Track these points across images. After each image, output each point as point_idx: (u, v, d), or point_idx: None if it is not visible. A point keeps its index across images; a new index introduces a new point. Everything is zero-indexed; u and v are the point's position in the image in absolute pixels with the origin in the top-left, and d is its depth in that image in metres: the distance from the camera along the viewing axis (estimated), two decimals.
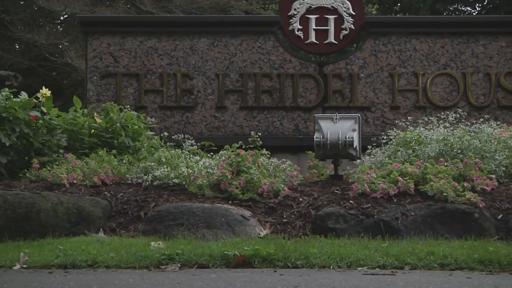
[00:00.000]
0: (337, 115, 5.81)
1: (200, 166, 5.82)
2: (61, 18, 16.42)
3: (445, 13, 18.14)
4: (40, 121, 6.40)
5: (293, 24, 8.36)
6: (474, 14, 18.86)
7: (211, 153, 6.34)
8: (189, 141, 6.55)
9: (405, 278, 3.27)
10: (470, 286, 3.04)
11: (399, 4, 18.95)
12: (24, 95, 6.47)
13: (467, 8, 19.29)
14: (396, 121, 7.26)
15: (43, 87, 6.62)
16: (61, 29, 16.85)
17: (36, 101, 6.50)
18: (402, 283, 3.08)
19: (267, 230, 4.97)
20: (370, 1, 19.51)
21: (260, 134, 7.98)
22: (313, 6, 8.38)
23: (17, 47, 16.81)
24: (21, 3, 16.27)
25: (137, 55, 8.32)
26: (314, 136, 5.75)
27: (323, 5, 8.38)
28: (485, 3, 18.18)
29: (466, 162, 5.34)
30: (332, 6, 8.37)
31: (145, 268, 3.85)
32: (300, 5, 8.39)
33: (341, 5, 8.36)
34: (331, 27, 8.33)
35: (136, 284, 3.08)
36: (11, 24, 15.09)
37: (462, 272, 3.67)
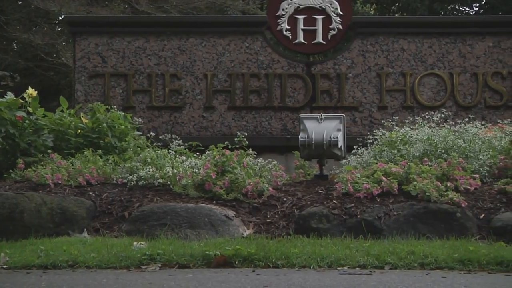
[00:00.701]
0: (322, 115, 5.82)
1: (185, 166, 5.83)
2: (60, 18, 16.41)
3: (442, 13, 18.18)
4: (27, 121, 6.40)
5: (281, 24, 8.38)
6: (471, 13, 18.90)
7: (197, 153, 6.36)
8: (177, 141, 6.56)
9: (379, 277, 3.28)
10: (441, 285, 3.06)
11: (397, 4, 18.97)
12: (10, 95, 6.47)
13: (465, 8, 19.32)
14: (382, 121, 7.27)
15: (29, 87, 6.62)
16: (59, 29, 16.84)
17: (22, 101, 6.50)
18: (373, 282, 3.09)
19: (250, 230, 4.99)
20: (368, 1, 19.56)
21: (248, 134, 8.06)
22: (301, 6, 8.40)
23: (15, 47, 16.81)
24: (19, 3, 16.24)
25: (125, 55, 8.32)
26: (299, 136, 5.76)
27: (311, 5, 8.39)
28: (483, 3, 18.19)
29: (450, 162, 5.35)
30: (320, 6, 8.39)
31: (125, 268, 3.85)
32: (288, 5, 8.40)
33: (329, 5, 8.37)
34: (319, 27, 8.35)
35: (108, 284, 3.09)
36: (7, 25, 15.08)
37: (441, 272, 3.69)
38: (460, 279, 3.32)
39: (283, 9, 8.40)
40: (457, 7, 19.30)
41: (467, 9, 19.40)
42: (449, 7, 18.98)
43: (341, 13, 8.35)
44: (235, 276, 3.34)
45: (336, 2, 8.36)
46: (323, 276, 3.34)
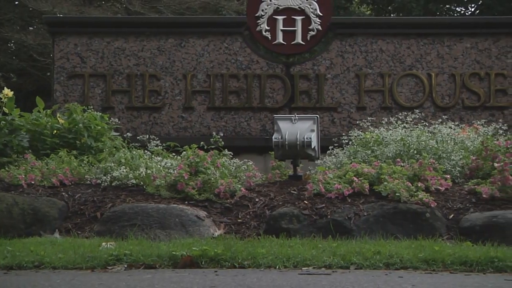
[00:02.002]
0: (296, 115, 5.85)
1: (159, 166, 5.84)
2: None
3: (438, 13, 18.25)
4: (2, 122, 6.40)
5: (260, 25, 8.39)
6: (467, 14, 18.94)
7: (173, 154, 6.37)
8: (154, 141, 6.58)
9: (335, 277, 3.31)
10: (390, 285, 3.08)
11: (393, 5, 19.02)
12: None
13: (461, 8, 19.39)
14: (357, 122, 7.31)
15: (5, 89, 6.61)
16: None
17: None
18: (325, 282, 3.11)
19: (221, 231, 5.00)
20: (364, 2, 19.61)
21: (227, 134, 8.08)
22: (280, 7, 8.41)
23: (13, 47, 16.77)
24: (16, 3, 16.21)
25: (104, 55, 8.31)
26: (273, 137, 5.79)
27: (290, 6, 8.41)
28: (479, 3, 18.25)
29: (421, 162, 5.39)
30: (299, 7, 8.41)
31: (91, 269, 3.86)
32: (267, 6, 8.41)
33: (309, 6, 8.40)
34: (299, 28, 8.36)
35: (59, 285, 3.09)
36: (1, 25, 15.05)
37: (403, 271, 3.71)
38: (415, 279, 3.34)
39: (262, 10, 8.41)
40: (452, 8, 19.36)
41: (462, 9, 19.45)
42: (444, 7, 19.03)
43: (321, 14, 8.37)
44: (193, 276, 3.36)
45: (315, 3, 8.38)
46: (280, 276, 3.36)
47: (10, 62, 15.84)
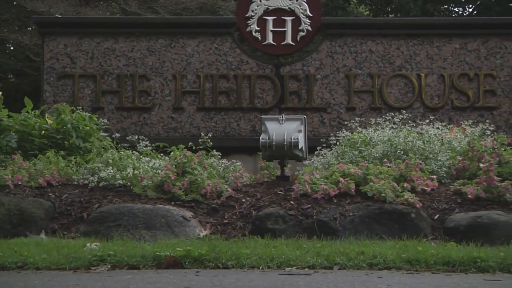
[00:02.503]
0: (283, 116, 5.85)
1: (146, 167, 5.84)
2: None
3: (436, 14, 18.26)
4: None
5: (250, 25, 8.40)
6: (465, 14, 18.96)
7: (161, 154, 6.37)
8: (144, 142, 6.57)
9: (313, 278, 3.31)
10: (367, 285, 3.09)
11: (391, 5, 19.03)
12: None
13: (459, 8, 19.40)
14: (346, 122, 7.32)
15: None
16: None
17: None
18: (302, 282, 3.12)
19: (207, 231, 5.01)
20: (362, 2, 19.62)
21: (217, 135, 8.08)
22: (270, 8, 8.42)
23: (12, 48, 16.74)
24: (14, 3, 16.18)
25: (94, 56, 8.31)
26: (260, 137, 5.79)
27: (280, 7, 8.42)
28: (478, 3, 18.27)
29: (407, 163, 5.40)
30: (289, 8, 8.42)
31: (74, 270, 3.86)
32: (257, 6, 8.43)
33: (298, 7, 8.41)
34: (288, 28, 8.38)
35: (34, 285, 3.09)
36: None
37: (385, 272, 3.72)
38: (393, 279, 3.35)
39: (252, 11, 8.42)
40: (450, 8, 19.37)
41: (460, 9, 19.46)
42: (442, 8, 19.05)
43: (310, 15, 8.38)
44: (173, 276, 3.36)
45: (305, 4, 8.39)
46: (260, 277, 3.36)
47: (8, 62, 15.82)
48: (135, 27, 8.47)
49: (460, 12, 19.30)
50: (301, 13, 8.39)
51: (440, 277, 3.50)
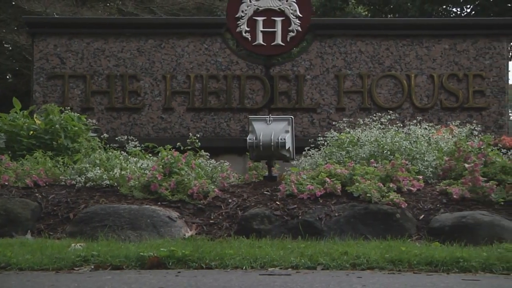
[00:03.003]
0: (271, 116, 5.86)
1: (134, 167, 5.84)
2: None
3: (434, 14, 18.29)
4: None
5: (240, 26, 8.41)
6: (463, 15, 18.99)
7: (150, 155, 6.38)
8: (133, 142, 6.58)
9: (291, 278, 3.32)
10: (341, 285, 3.09)
11: (389, 5, 19.05)
12: None
13: (457, 8, 19.42)
14: (335, 123, 7.33)
15: None
16: None
17: None
18: (278, 282, 3.13)
19: (193, 231, 5.01)
20: (360, 3, 19.64)
21: (207, 135, 8.09)
22: (260, 8, 8.43)
23: (11, 48, 16.74)
24: (12, 3, 16.17)
25: (84, 56, 8.31)
26: (247, 138, 5.80)
27: (270, 7, 8.43)
28: (476, 3, 18.30)
29: (393, 163, 5.41)
30: (279, 8, 8.43)
31: (57, 270, 3.86)
32: (247, 7, 8.43)
33: (288, 7, 8.42)
34: (278, 29, 8.39)
35: (10, 286, 3.10)
36: None
37: (368, 272, 3.73)
38: (372, 279, 3.36)
39: (242, 11, 8.43)
40: (448, 8, 19.40)
41: (458, 10, 19.48)
42: (440, 8, 19.08)
43: (300, 15, 8.39)
44: (152, 276, 3.37)
45: (295, 4, 8.41)
46: (239, 277, 3.37)
47: (6, 62, 15.81)
48: (125, 27, 8.47)
49: (459, 12, 19.33)
50: (291, 13, 8.41)
51: (420, 277, 3.51)
